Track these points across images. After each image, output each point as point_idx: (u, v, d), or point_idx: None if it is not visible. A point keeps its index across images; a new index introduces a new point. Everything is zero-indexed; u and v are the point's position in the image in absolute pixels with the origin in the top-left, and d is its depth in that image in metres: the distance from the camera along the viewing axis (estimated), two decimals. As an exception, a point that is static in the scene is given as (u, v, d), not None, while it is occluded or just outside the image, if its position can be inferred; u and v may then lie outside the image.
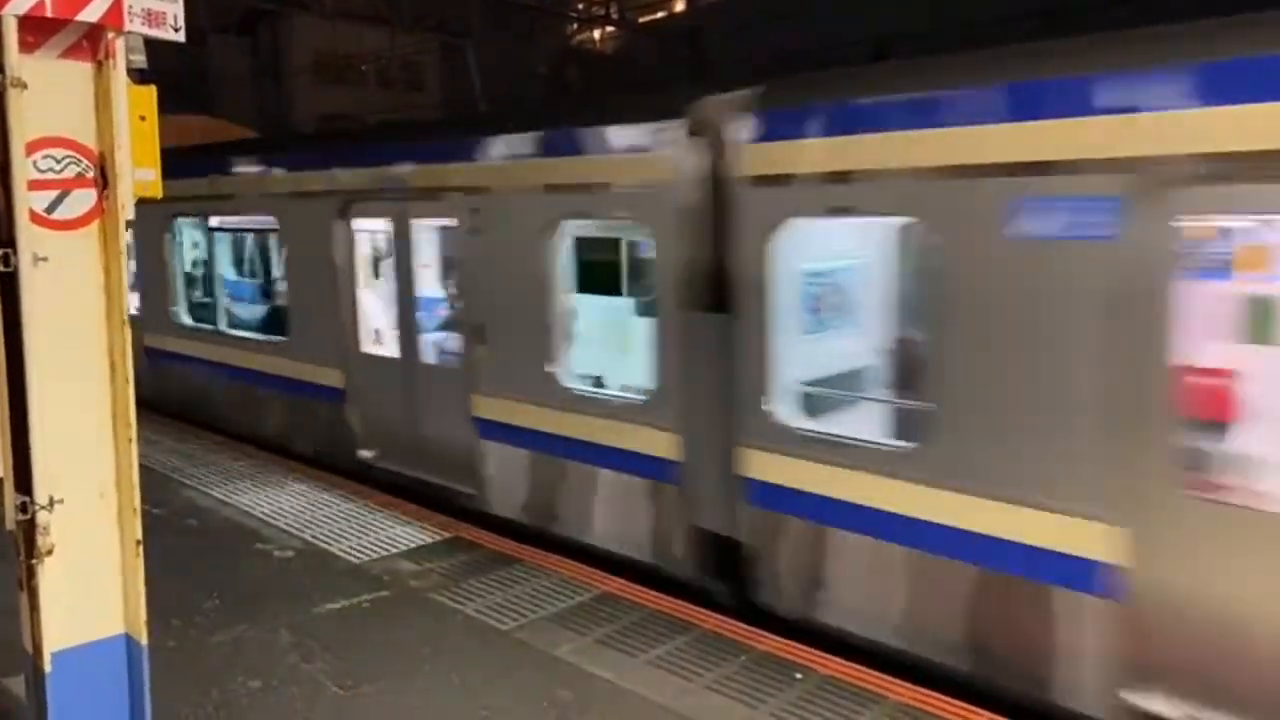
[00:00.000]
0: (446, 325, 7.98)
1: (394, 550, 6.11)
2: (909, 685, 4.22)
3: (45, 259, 2.74)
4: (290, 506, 7.07)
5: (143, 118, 2.95)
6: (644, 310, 6.34)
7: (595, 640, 4.76)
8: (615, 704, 4.12)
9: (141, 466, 8.38)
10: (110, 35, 2.81)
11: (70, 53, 2.82)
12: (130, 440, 2.79)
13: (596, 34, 26.04)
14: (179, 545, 6.32)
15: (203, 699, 4.22)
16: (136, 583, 2.84)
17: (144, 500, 7.32)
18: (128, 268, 2.86)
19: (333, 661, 4.58)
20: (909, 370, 5.33)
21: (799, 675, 4.35)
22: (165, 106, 3.07)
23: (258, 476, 7.92)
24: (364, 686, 4.32)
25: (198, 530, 6.64)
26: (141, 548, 2.82)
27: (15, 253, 2.65)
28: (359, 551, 6.10)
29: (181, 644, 4.81)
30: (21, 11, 2.64)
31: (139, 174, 2.92)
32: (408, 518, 6.76)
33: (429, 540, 6.31)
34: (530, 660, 4.57)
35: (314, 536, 6.39)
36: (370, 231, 8.24)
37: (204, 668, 4.54)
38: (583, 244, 6.59)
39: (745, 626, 4.86)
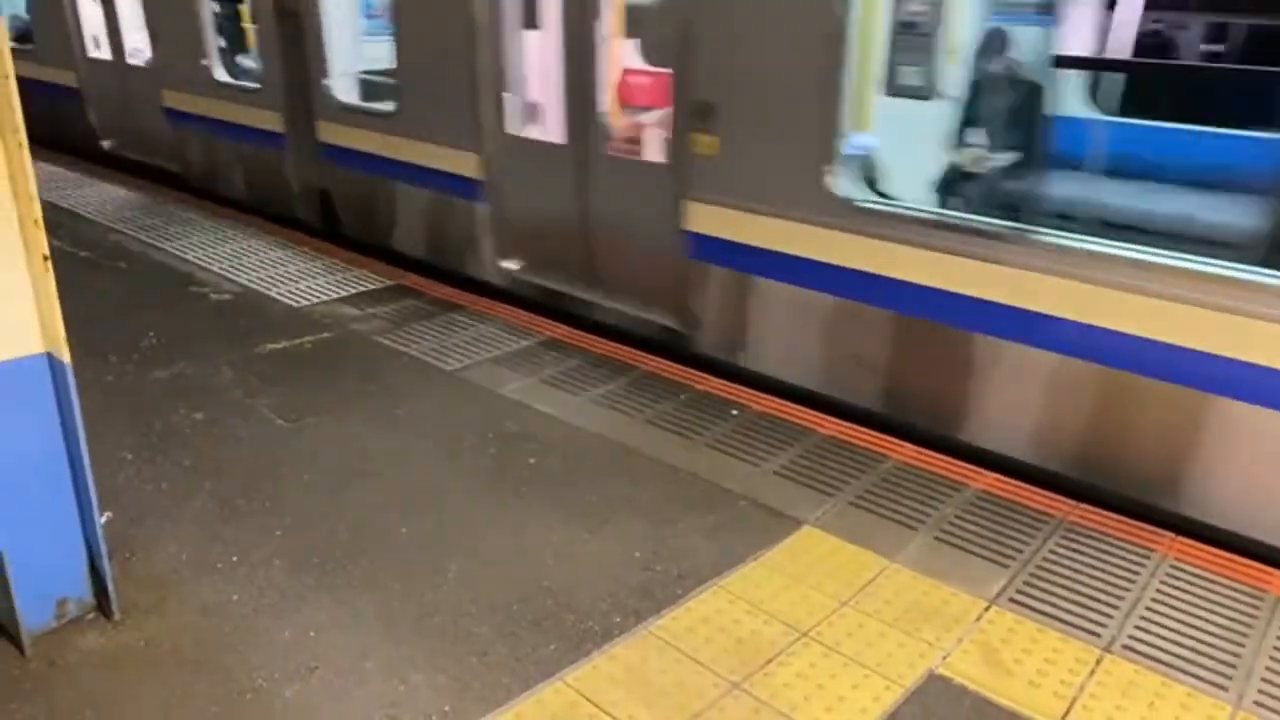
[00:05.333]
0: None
1: (335, 296, 6.03)
2: (836, 420, 4.42)
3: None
4: (225, 252, 6.86)
5: None
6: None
7: (540, 380, 4.85)
8: (558, 435, 4.26)
9: (66, 211, 7.99)
10: None
11: None
12: (20, 145, 2.54)
13: None
14: (109, 287, 6.14)
15: (145, 429, 4.25)
16: (50, 300, 2.70)
17: (70, 243, 7.03)
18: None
19: (276, 396, 4.61)
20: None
21: (735, 411, 4.51)
22: None
23: (190, 224, 7.62)
24: (308, 419, 4.39)
25: (129, 273, 6.44)
26: (50, 263, 2.67)
27: None
28: (299, 296, 6.00)
29: (120, 379, 4.78)
30: None
31: None
32: (346, 265, 6.63)
33: (370, 287, 6.22)
34: (475, 396, 4.65)
35: (251, 281, 6.25)
36: None
37: (145, 401, 4.54)
38: None
39: (685, 369, 4.99)
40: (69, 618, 2.99)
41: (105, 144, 9.68)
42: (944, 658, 2.89)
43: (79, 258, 6.66)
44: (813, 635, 2.98)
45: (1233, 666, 2.87)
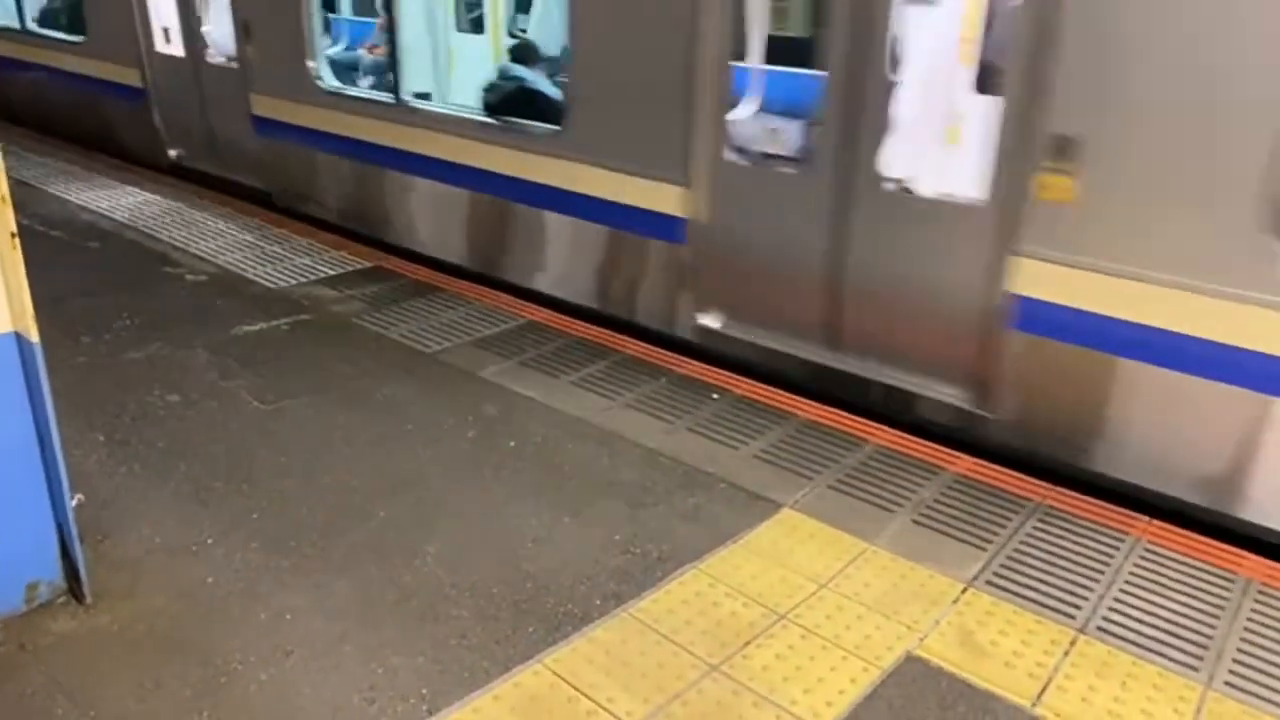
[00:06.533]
0: None
1: (312, 278, 5.96)
2: (816, 405, 4.43)
3: None
4: (199, 233, 6.76)
5: None
6: None
7: (519, 363, 4.82)
8: (538, 418, 4.24)
9: (28, 185, 7.81)
10: None
11: None
12: (-14, 119, 2.49)
13: None
14: (82, 266, 6.04)
15: (119, 410, 4.19)
16: (18, 277, 2.65)
17: (40, 221, 6.89)
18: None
19: (253, 379, 4.56)
20: None
21: (715, 395, 4.51)
22: None
23: (163, 204, 7.50)
24: (286, 401, 4.34)
25: (101, 253, 6.33)
26: (17, 241, 2.61)
27: None
28: (276, 278, 5.92)
29: (93, 359, 4.71)
30: None
31: None
32: (324, 246, 6.55)
33: (348, 269, 6.15)
34: (455, 379, 4.62)
35: (227, 262, 6.17)
36: None
37: (119, 382, 4.47)
38: None
39: (666, 352, 4.97)
40: (40, 601, 2.95)
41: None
42: (921, 639, 2.91)
43: (50, 237, 6.54)
44: (791, 617, 2.99)
45: (1204, 648, 2.90)
